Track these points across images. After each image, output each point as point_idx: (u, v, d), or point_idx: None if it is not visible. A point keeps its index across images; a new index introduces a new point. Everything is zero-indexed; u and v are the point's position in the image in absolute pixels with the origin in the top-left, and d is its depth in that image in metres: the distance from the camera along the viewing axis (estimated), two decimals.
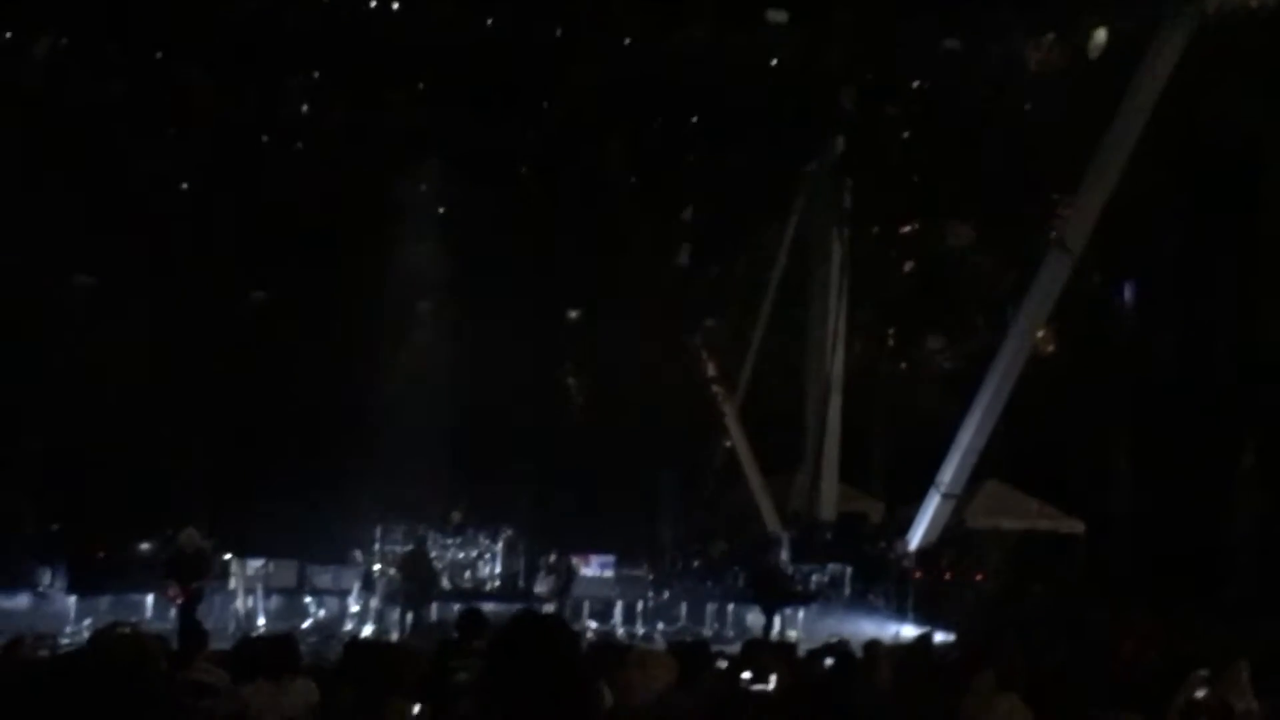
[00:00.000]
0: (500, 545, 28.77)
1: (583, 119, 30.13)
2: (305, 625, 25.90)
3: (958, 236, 33.61)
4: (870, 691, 10.42)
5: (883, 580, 30.82)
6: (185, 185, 30.29)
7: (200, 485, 28.86)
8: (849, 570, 30.77)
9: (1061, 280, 29.73)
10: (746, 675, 10.54)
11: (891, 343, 38.18)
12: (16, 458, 28.27)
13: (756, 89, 29.61)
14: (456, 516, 28.68)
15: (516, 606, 27.40)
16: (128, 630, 13.35)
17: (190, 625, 14.84)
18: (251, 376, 30.13)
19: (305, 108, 29.54)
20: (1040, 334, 31.62)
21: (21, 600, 26.15)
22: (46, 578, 26.76)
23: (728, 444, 35.38)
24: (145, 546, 27.00)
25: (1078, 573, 31.71)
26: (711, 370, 34.86)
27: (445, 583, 27.58)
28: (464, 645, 11.14)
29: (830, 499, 33.87)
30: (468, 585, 28.17)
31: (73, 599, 25.75)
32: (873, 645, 13.59)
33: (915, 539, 31.41)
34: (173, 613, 23.84)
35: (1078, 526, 33.71)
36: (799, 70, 29.86)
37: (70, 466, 28.06)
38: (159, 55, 27.86)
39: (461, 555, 28.59)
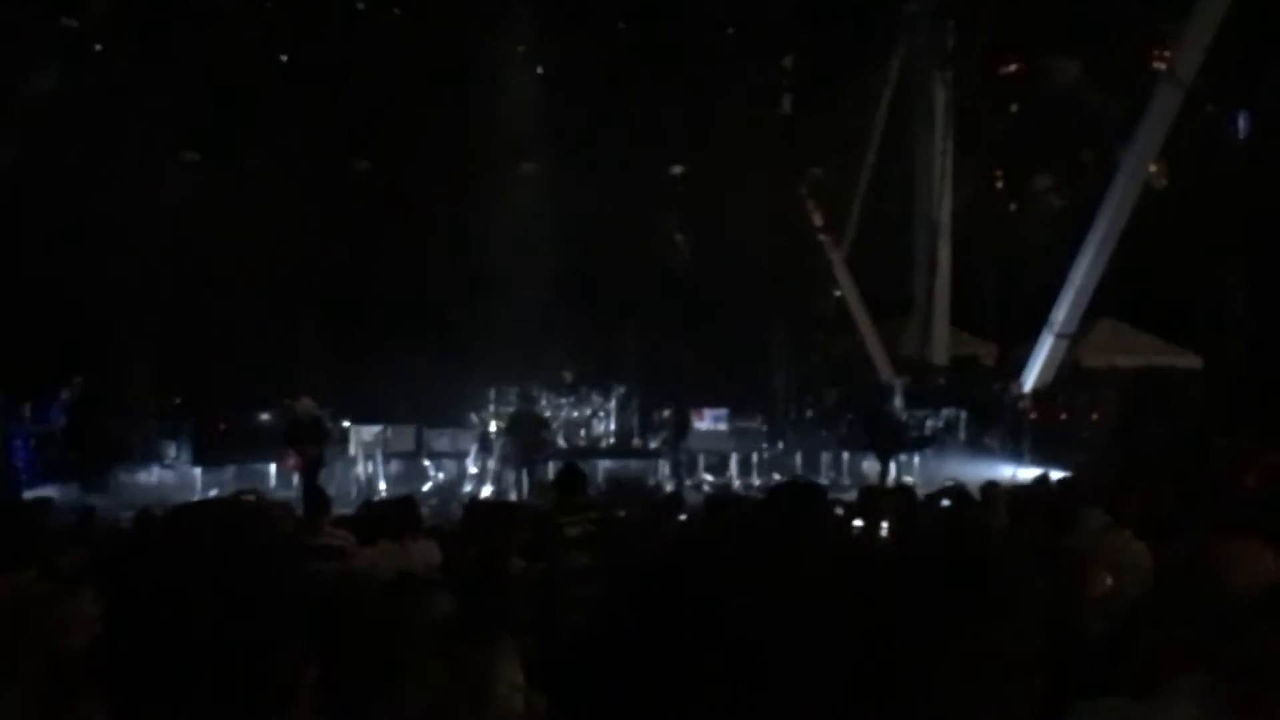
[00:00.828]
0: (613, 402, 28.93)
1: None
2: (425, 488, 26.27)
3: (1064, 73, 32.98)
4: (987, 532, 10.42)
5: (998, 423, 30.70)
6: (283, 56, 30.28)
7: (317, 354, 29.22)
8: (963, 414, 30.69)
9: (1172, 113, 29.11)
10: (859, 522, 10.56)
11: (1000, 184, 37.68)
12: (137, 335, 28.72)
13: None
14: (568, 375, 28.85)
15: (631, 462, 27.87)
16: (253, 498, 13.63)
17: (313, 492, 15.07)
18: (361, 244, 30.33)
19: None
20: (1152, 168, 31.07)
21: (150, 474, 26.79)
22: (172, 451, 27.37)
23: (837, 293, 35.21)
24: (265, 417, 27.45)
25: (1197, 407, 31.41)
26: (818, 219, 34.59)
27: (560, 441, 27.83)
28: (568, 501, 11.25)
29: (942, 343, 33.74)
30: (582, 443, 28.40)
31: (198, 471, 26.34)
32: (990, 486, 13.58)
33: (1029, 380, 31.23)
34: (295, 481, 24.27)
35: (1195, 361, 33.36)
36: None
37: (190, 341, 28.49)
38: None
39: (575, 414, 28.80)
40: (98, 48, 28.29)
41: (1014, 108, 35.12)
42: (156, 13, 27.97)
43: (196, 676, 2.57)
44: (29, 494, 22.39)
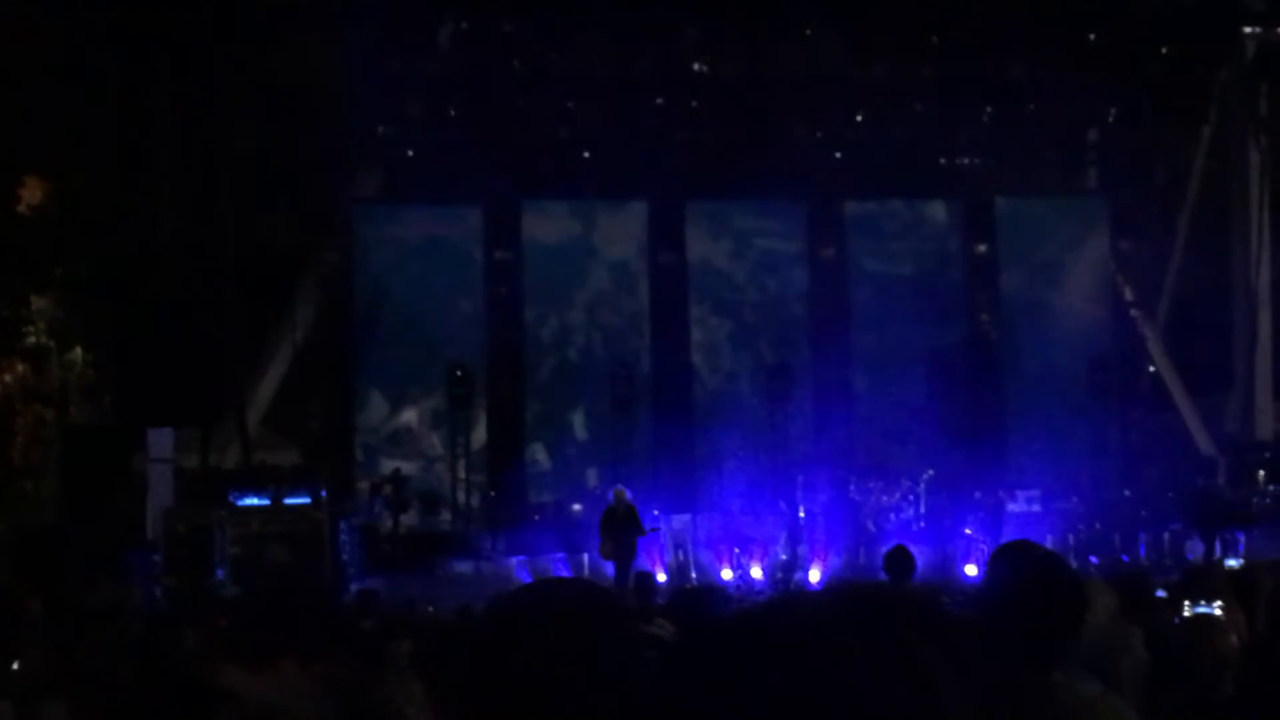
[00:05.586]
0: (921, 485, 28.63)
1: (978, 43, 29.70)
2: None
3: None
4: None
5: None
6: (587, 154, 30.99)
7: (631, 445, 29.66)
8: None
9: None
10: (1188, 602, 10.20)
11: None
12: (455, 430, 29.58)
13: None
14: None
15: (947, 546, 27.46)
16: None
17: (638, 581, 15.16)
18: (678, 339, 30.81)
19: (698, 65, 29.94)
20: None
21: (468, 565, 27.47)
22: (489, 542, 28.05)
23: (1152, 368, 34.24)
24: (577, 507, 28.04)
25: None
26: (1129, 293, 33.75)
27: (871, 526, 27.60)
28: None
29: (1266, 417, 32.53)
30: (891, 527, 28.09)
31: (514, 561, 26.88)
32: None
33: None
34: (610, 570, 24.61)
35: None
36: None
37: (505, 432, 29.30)
38: (554, 24, 28.69)
39: (885, 498, 28.50)
40: None
41: None
42: (471, 117, 29.17)
43: None
44: (355, 586, 23.14)
